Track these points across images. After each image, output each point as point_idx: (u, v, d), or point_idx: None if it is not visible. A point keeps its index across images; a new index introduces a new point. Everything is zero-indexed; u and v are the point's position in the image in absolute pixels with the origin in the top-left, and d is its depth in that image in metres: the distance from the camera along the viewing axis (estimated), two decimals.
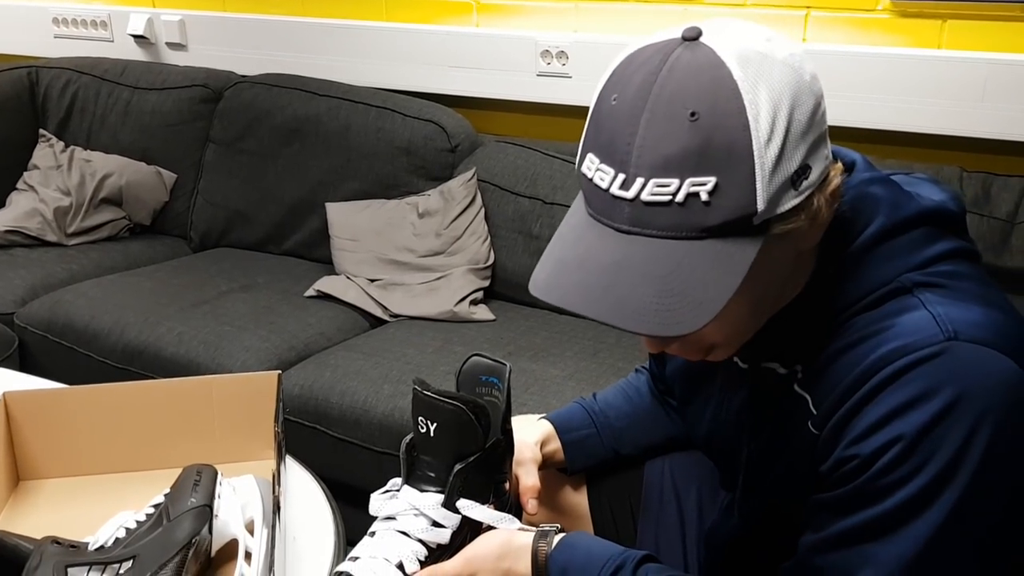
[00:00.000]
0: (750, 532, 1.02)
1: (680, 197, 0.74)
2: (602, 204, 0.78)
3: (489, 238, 2.32)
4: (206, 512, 1.03)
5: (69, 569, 0.95)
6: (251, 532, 1.06)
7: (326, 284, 2.32)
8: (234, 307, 2.21)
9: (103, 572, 0.96)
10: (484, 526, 0.98)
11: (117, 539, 1.01)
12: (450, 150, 2.43)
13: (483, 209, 2.34)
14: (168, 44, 2.94)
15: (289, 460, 1.33)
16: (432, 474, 0.97)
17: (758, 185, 0.74)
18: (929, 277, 0.83)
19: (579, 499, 1.21)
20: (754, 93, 0.73)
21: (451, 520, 0.96)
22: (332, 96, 2.56)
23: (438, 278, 2.28)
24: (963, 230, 0.90)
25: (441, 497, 0.96)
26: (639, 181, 0.75)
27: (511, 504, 1.05)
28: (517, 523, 0.99)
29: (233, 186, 2.67)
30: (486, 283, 2.29)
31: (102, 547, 1.01)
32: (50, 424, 1.26)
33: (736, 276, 0.75)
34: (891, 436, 0.76)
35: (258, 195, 2.63)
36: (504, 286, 2.31)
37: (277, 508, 1.05)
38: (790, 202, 0.76)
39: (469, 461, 0.96)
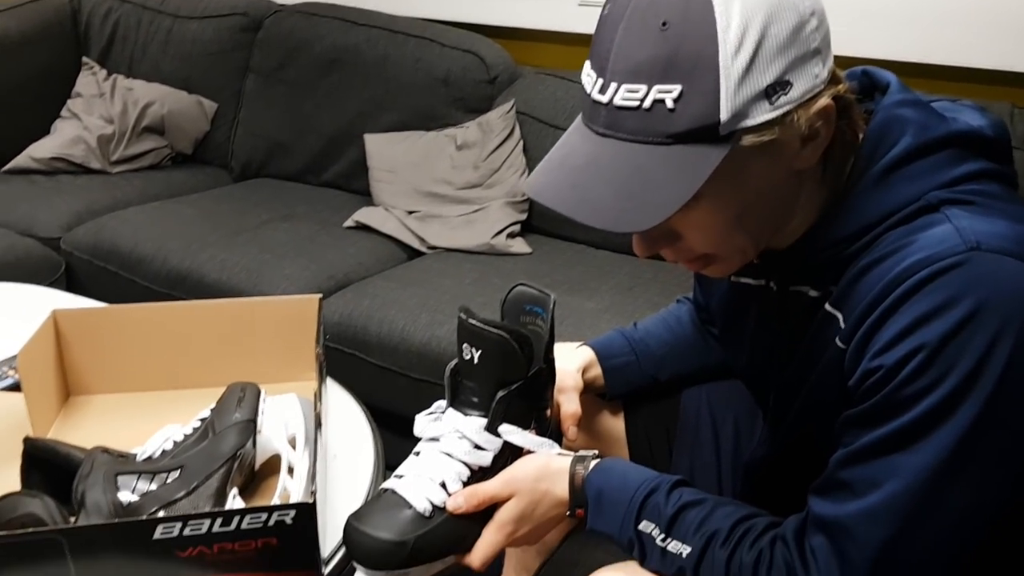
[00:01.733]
0: (783, 461, 1.02)
1: (647, 103, 0.77)
2: (587, 108, 0.83)
3: (527, 171, 2.31)
4: (250, 427, 1.06)
5: (119, 477, 0.98)
6: (293, 447, 1.09)
7: (364, 215, 2.33)
8: (274, 236, 2.23)
9: (151, 481, 0.99)
10: (524, 450, 1.00)
11: (164, 451, 1.04)
12: (489, 81, 2.41)
13: (521, 141, 2.32)
14: None
15: (329, 381, 1.35)
16: (475, 399, 0.98)
17: (722, 95, 0.76)
18: (956, 194, 0.82)
19: (616, 424, 1.22)
20: (727, 5, 0.75)
21: (493, 444, 0.98)
22: (370, 26, 2.55)
23: (475, 210, 2.28)
24: (1002, 157, 0.88)
25: (484, 421, 0.97)
26: (613, 86, 0.79)
27: (551, 430, 1.06)
28: (557, 448, 1.00)
29: (273, 116, 2.68)
30: (523, 216, 2.29)
31: (150, 458, 1.04)
32: (98, 341, 1.29)
33: (694, 182, 0.77)
34: (914, 345, 0.77)
35: (297, 126, 2.63)
36: (541, 219, 2.30)
37: (318, 425, 1.07)
38: (763, 116, 0.77)
39: (512, 388, 0.97)
